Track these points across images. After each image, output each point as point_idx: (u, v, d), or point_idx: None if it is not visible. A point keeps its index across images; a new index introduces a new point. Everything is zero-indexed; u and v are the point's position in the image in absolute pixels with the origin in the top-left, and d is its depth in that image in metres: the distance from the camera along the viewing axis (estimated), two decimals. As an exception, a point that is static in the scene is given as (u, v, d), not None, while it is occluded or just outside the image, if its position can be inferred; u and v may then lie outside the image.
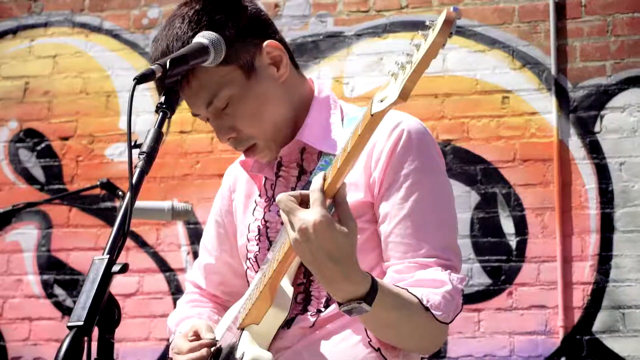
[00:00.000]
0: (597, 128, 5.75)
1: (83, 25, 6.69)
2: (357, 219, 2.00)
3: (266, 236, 2.44)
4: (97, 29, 6.65)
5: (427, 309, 2.11)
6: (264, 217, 2.45)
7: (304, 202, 1.99)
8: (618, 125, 5.74)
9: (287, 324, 2.30)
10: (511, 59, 5.94)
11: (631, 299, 5.56)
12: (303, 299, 2.32)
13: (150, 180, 6.09)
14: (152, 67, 2.05)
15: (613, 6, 5.86)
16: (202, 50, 2.19)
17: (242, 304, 2.40)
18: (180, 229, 6.21)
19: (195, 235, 6.15)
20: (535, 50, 5.92)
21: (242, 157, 2.53)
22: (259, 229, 2.46)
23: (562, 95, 5.81)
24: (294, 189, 2.39)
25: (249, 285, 2.49)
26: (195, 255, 6.11)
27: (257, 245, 2.46)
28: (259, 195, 2.52)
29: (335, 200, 1.97)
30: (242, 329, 2.29)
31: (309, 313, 2.31)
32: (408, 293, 2.12)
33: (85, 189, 4.49)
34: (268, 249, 2.42)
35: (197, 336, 2.40)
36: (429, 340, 2.22)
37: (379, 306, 2.01)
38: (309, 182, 2.22)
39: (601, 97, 5.78)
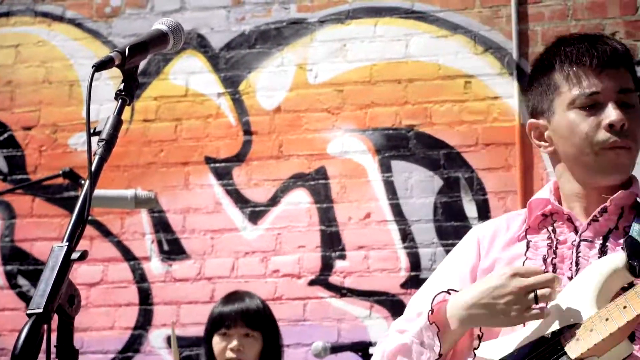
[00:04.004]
0: (558, 112, 5.77)
1: (45, 15, 6.64)
2: None
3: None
4: (60, 18, 6.60)
5: None
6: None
7: None
8: (579, 109, 5.77)
9: None
10: (473, 43, 5.96)
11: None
12: None
13: (114, 169, 6.07)
14: (111, 54, 2.04)
15: (573, -10, 5.89)
16: (162, 37, 2.17)
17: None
18: (144, 218, 6.19)
19: (159, 224, 6.13)
20: (497, 34, 5.94)
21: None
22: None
23: (524, 80, 5.83)
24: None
25: None
26: (160, 243, 6.11)
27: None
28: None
29: None
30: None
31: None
32: None
33: (48, 177, 4.49)
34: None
35: None
36: None
37: None
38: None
39: (563, 81, 5.80)
